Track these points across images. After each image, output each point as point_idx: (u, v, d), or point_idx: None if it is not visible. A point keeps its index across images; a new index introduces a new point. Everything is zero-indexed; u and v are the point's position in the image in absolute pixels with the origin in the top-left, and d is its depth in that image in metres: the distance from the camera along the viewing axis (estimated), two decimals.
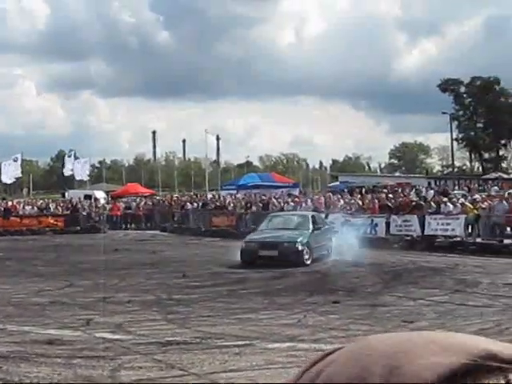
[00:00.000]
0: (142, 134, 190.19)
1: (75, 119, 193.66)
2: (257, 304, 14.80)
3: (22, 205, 46.56)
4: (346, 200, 34.15)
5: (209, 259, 23.87)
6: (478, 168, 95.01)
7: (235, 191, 49.27)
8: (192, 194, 65.39)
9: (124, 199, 52.74)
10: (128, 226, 44.29)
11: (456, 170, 78.60)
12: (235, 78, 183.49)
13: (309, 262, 22.09)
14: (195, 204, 44.00)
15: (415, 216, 28.63)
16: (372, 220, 30.02)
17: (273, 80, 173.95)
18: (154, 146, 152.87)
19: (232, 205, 40.71)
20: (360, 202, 32.46)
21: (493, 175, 62.09)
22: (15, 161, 55.65)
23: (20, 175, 58.74)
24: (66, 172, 61.55)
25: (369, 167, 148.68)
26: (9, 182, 60.51)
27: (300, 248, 22.21)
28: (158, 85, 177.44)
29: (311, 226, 23.75)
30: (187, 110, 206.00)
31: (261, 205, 38.04)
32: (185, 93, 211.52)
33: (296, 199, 37.01)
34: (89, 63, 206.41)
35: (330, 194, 39.47)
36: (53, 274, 20.82)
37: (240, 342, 10.67)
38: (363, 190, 39.98)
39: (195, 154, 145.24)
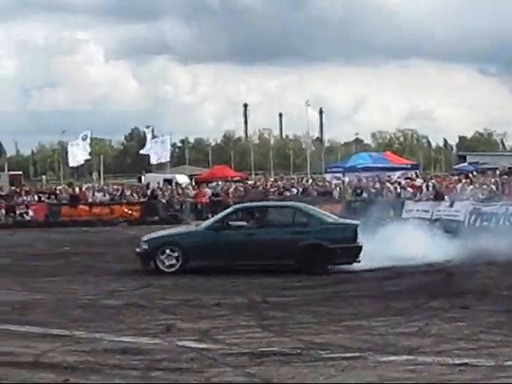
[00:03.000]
0: (228, 107, 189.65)
1: (150, 90, 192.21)
2: (368, 309, 14.72)
3: (91, 191, 47.12)
4: (476, 185, 33.60)
5: None
6: None
7: (342, 174, 49.06)
8: (291, 177, 65.36)
9: (211, 184, 53.03)
10: (215, 215, 44.36)
11: None
12: (334, 39, 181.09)
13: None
14: (294, 190, 43.96)
15: None
16: (507, 209, 29.41)
17: (381, 42, 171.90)
18: (246, 122, 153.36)
19: (338, 190, 40.57)
20: (494, 187, 31.87)
21: None
22: (84, 139, 54.67)
23: (89, 157, 58.49)
24: (146, 152, 60.06)
25: (503, 145, 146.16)
26: (76, 165, 61.06)
27: None
28: (245, 49, 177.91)
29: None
30: (280, 78, 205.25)
31: (373, 190, 37.79)
32: (277, 58, 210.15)
33: (414, 183, 36.61)
34: (164, 24, 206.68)
35: (456, 177, 38.94)
36: (128, 272, 21.09)
37: (349, 354, 10.63)
38: (497, 173, 39.23)
39: (294, 131, 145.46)
